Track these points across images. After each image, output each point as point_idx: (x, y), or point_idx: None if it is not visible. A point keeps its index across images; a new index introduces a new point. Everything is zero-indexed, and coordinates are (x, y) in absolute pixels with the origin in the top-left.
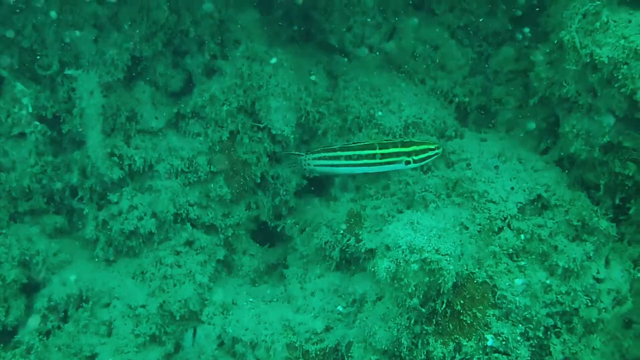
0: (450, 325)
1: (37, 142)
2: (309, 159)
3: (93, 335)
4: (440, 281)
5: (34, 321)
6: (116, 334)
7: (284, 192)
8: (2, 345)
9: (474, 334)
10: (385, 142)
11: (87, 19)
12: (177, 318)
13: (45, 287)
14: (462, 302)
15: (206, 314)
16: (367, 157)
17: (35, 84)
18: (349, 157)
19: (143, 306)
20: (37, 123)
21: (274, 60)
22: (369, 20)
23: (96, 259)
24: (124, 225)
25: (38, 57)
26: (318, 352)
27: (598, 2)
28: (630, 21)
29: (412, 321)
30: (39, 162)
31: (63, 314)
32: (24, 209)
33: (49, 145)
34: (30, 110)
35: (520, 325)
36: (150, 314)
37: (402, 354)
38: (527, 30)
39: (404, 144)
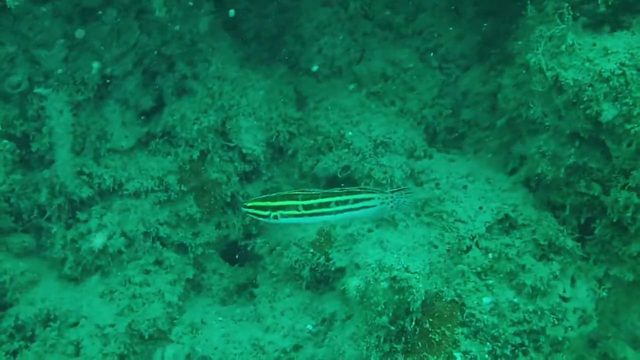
0: (419, 343)
1: (6, 160)
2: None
3: (61, 355)
4: (409, 299)
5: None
6: (84, 353)
7: None
8: None
9: (442, 352)
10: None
11: (57, 37)
12: (146, 337)
13: (13, 307)
14: (430, 320)
15: (175, 333)
16: None
17: (4, 103)
18: None
19: (111, 325)
20: (6, 141)
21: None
22: (338, 42)
23: (64, 278)
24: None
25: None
26: None
27: (563, 26)
28: (594, 44)
29: (382, 339)
30: (7, 180)
31: (30, 333)
32: None
33: (18, 163)
34: None
35: (488, 343)
36: (119, 333)
37: None
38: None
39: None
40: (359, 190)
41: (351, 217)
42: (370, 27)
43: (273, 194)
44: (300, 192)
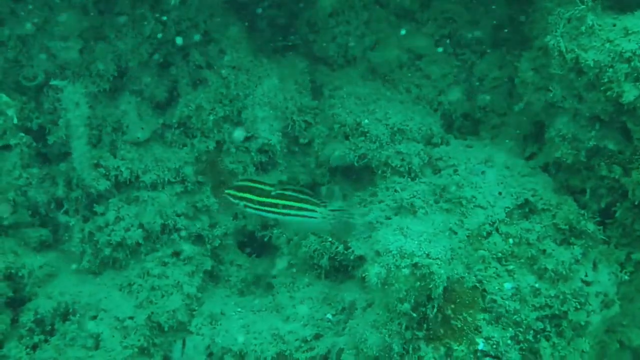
0: (441, 330)
1: (22, 154)
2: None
3: (80, 349)
4: (431, 285)
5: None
6: (104, 346)
7: None
8: None
9: (464, 338)
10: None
11: (73, 29)
12: (166, 329)
13: (31, 301)
14: (452, 306)
15: (195, 325)
16: None
17: (21, 95)
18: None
19: (131, 318)
20: (23, 135)
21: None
22: (352, 30)
23: (82, 272)
24: (110, 236)
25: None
26: None
27: (582, 7)
28: (614, 25)
29: (403, 327)
30: (23, 174)
31: (50, 327)
32: (9, 222)
33: (34, 157)
34: (15, 121)
35: (511, 329)
36: (138, 325)
37: None
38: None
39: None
40: (304, 198)
41: (295, 222)
42: (385, 14)
43: (243, 183)
44: (259, 186)
